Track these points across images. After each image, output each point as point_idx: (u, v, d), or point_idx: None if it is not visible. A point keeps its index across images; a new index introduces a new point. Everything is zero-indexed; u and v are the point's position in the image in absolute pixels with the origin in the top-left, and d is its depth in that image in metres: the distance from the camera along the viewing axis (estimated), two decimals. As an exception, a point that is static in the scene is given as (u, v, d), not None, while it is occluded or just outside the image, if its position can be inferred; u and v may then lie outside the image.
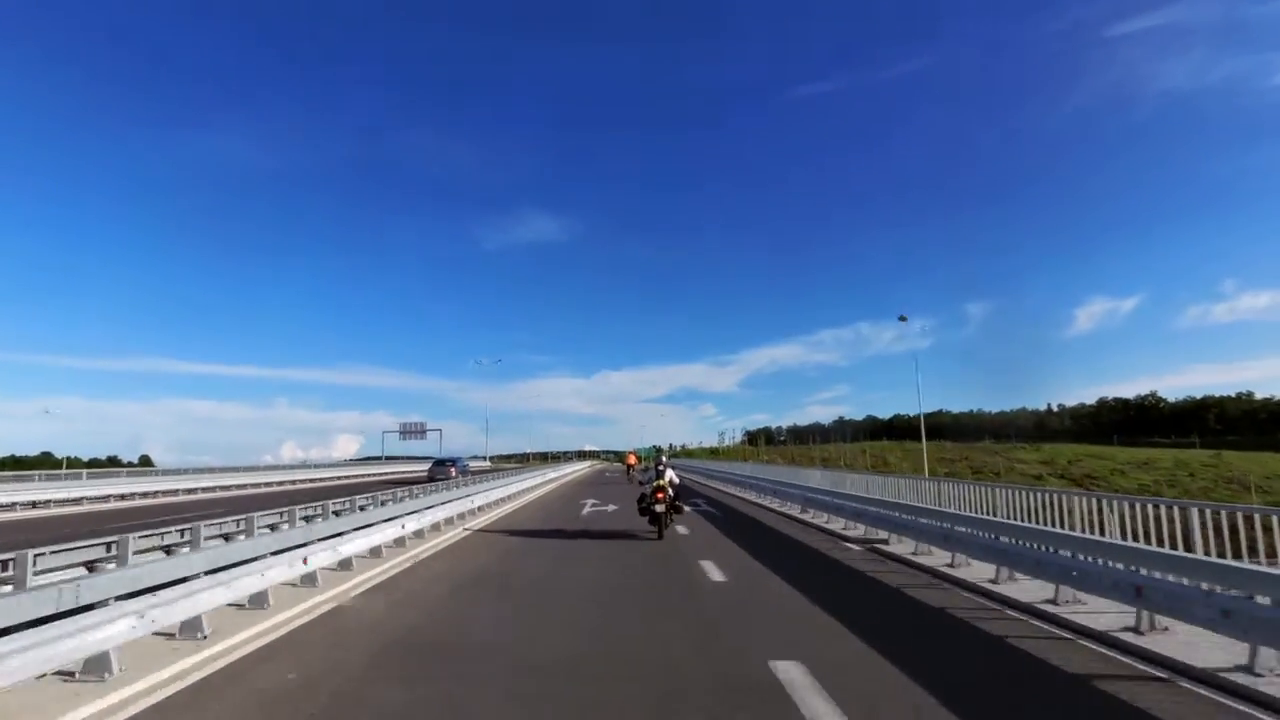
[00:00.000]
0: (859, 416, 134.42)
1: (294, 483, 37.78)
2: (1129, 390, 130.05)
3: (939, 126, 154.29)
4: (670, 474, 13.45)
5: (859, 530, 13.03)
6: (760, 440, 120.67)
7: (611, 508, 19.30)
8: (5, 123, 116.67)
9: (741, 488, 24.86)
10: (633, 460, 40.72)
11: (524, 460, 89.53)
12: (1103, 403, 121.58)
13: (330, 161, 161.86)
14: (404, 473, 53.65)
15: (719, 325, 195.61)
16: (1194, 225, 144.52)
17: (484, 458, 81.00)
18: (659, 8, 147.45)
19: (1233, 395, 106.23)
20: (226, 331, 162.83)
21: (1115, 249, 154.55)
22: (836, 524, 14.24)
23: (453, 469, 40.34)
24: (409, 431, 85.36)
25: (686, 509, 15.26)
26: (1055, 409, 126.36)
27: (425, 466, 49.45)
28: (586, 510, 19.34)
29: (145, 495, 25.93)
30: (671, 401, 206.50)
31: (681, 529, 14.30)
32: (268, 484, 35.22)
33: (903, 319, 33.88)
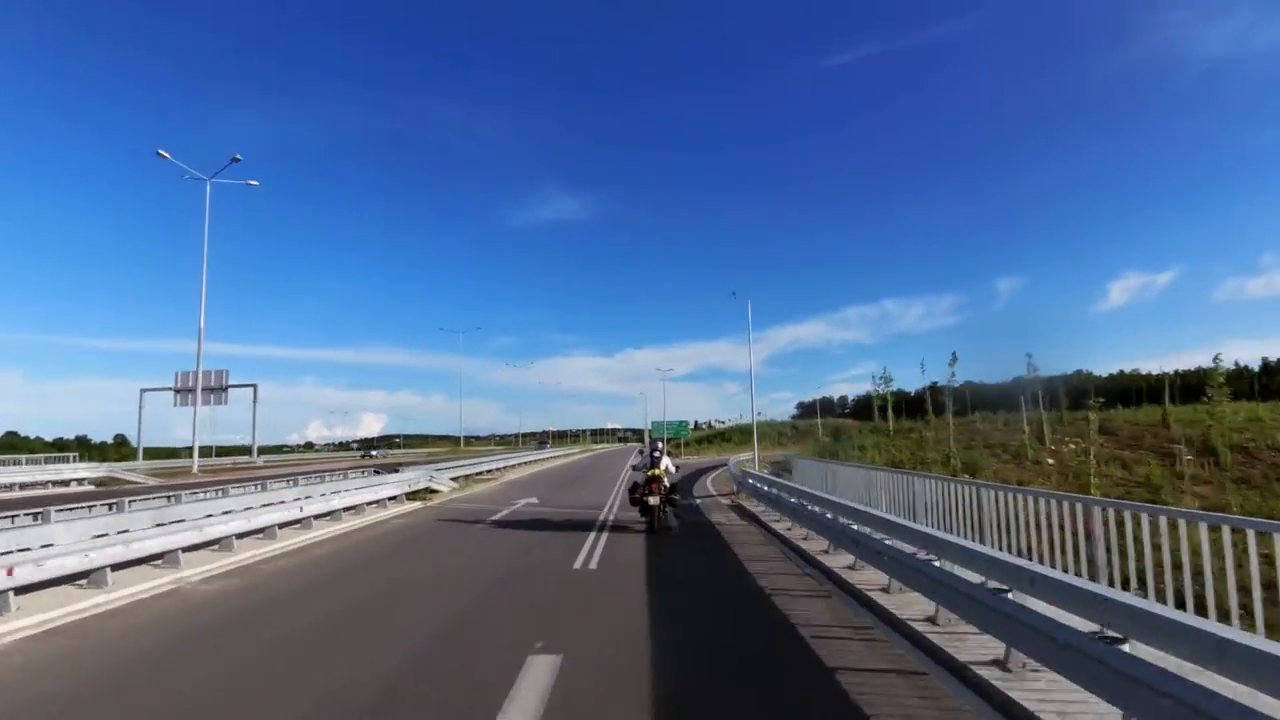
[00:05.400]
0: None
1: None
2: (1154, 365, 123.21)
3: (968, 94, 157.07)
4: (667, 462, 14.06)
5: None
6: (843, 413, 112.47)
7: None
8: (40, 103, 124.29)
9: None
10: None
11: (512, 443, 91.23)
12: None
13: (350, 139, 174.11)
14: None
15: (743, 302, 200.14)
16: (1230, 196, 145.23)
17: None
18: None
19: None
20: (253, 311, 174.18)
21: (1150, 221, 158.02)
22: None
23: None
24: (190, 390, 47.55)
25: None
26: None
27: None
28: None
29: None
30: (694, 380, 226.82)
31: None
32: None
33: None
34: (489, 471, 31.27)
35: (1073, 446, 32.25)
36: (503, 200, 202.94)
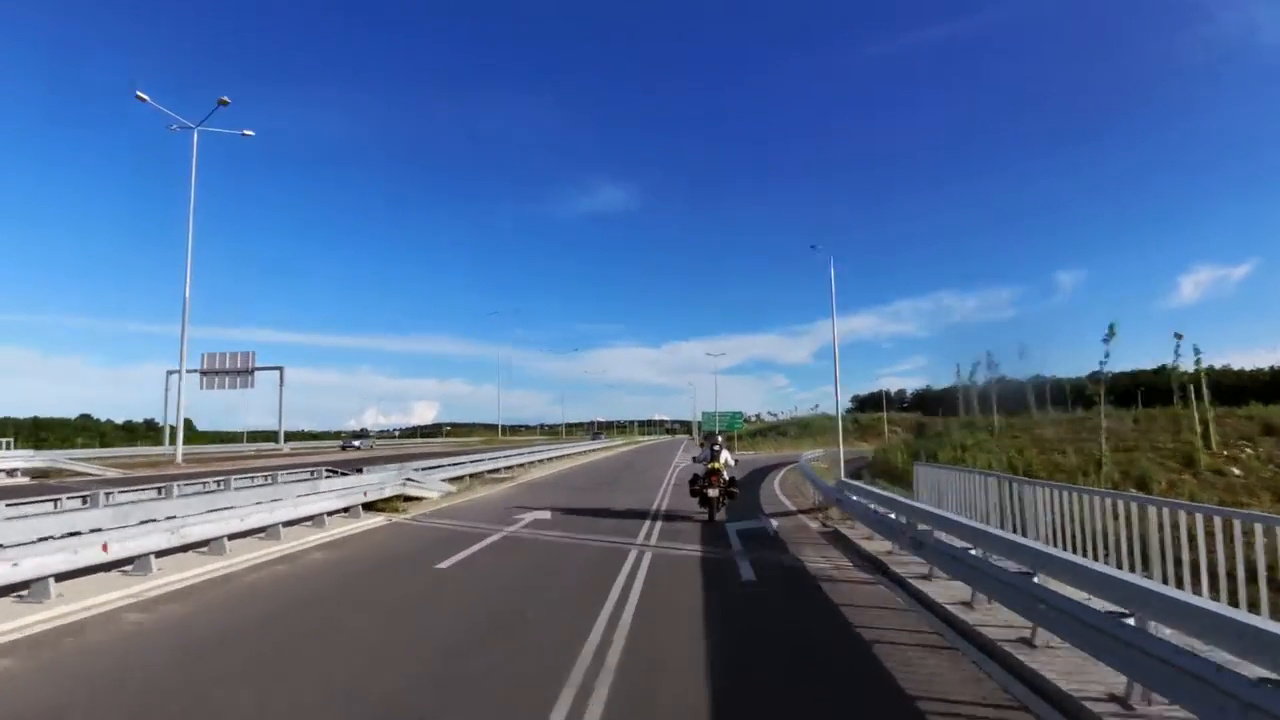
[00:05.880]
0: (937, 388, 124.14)
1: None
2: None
3: (1026, 77, 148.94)
4: (726, 455, 14.28)
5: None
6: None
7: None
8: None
9: None
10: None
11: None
12: None
13: (401, 130, 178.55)
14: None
15: (791, 294, 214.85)
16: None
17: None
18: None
19: None
20: (311, 300, 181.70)
21: (1223, 212, 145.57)
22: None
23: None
24: (219, 372, 55.21)
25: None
26: None
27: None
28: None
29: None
30: (741, 372, 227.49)
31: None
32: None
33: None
34: (507, 469, 26.22)
35: (1250, 451, 25.24)
36: (549, 192, 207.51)
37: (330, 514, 11.98)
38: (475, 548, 10.38)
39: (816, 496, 17.34)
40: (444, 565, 9.09)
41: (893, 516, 9.89)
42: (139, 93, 28.84)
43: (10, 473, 22.55)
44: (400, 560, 9.60)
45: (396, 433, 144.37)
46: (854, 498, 12.49)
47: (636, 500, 17.53)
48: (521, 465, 28.41)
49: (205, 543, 9.09)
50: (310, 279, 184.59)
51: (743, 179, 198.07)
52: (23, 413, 73.85)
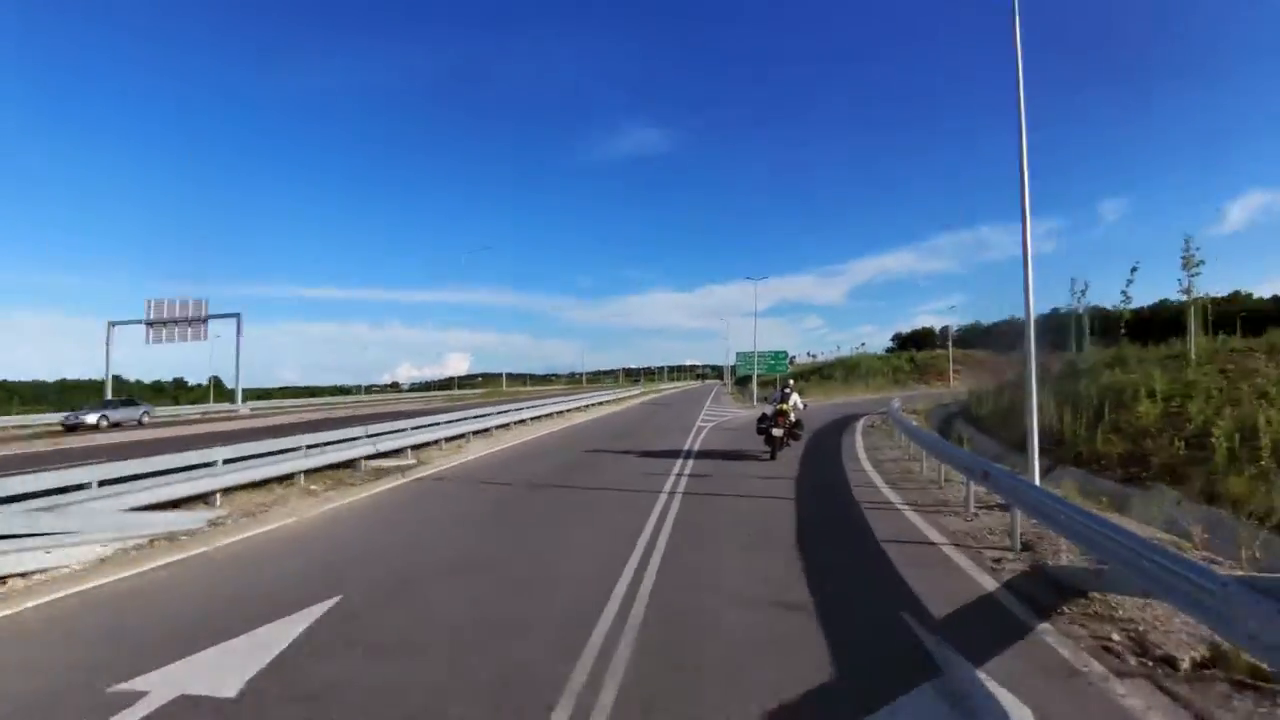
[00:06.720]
0: (986, 321, 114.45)
1: None
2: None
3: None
4: (795, 399, 15.10)
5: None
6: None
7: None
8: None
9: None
10: None
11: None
12: None
13: (424, 81, 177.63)
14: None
15: (827, 233, 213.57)
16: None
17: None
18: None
19: None
20: (340, 255, 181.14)
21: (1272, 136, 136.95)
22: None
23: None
24: (167, 323, 47.31)
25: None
26: None
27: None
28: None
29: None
30: (774, 314, 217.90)
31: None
32: None
33: None
34: (432, 443, 16.52)
35: None
36: (577, 136, 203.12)
37: None
38: None
39: (970, 502, 7.44)
40: None
41: None
42: None
43: None
44: None
45: (421, 385, 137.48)
46: None
47: (585, 563, 7.77)
48: (462, 436, 18.83)
49: None
50: (334, 232, 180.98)
51: (778, 121, 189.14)
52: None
